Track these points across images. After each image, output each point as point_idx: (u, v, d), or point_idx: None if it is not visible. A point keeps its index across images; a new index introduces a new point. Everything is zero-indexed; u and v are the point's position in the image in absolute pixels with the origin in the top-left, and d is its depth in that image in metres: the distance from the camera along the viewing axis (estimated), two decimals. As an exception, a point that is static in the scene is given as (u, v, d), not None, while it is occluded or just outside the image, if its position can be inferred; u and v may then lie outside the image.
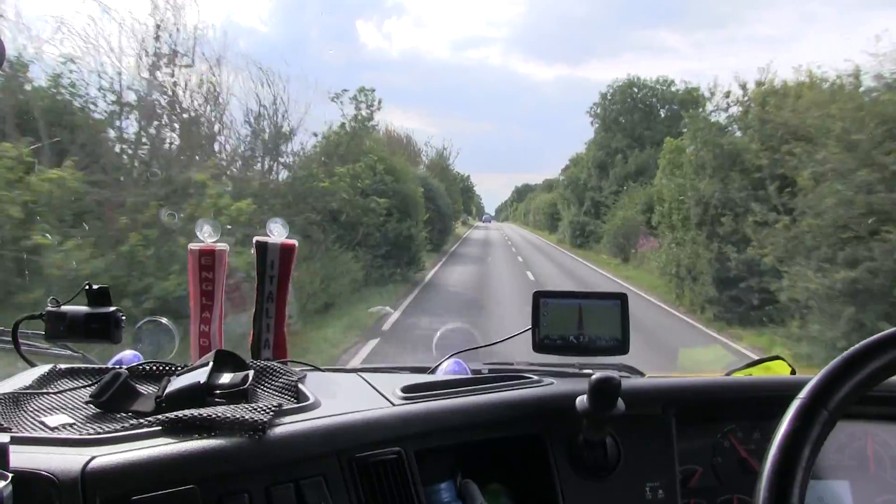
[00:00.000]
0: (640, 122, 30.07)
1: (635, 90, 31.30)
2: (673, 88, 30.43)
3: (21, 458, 0.73)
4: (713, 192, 11.99)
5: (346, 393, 1.14)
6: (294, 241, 1.32)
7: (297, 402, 0.98)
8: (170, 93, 8.36)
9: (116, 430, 0.85)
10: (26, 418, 0.90)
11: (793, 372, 1.38)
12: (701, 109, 15.28)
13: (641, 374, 1.43)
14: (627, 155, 28.12)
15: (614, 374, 0.99)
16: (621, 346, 1.26)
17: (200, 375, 0.97)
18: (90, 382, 1.04)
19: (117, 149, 7.80)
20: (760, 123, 11.39)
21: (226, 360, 1.05)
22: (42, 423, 0.88)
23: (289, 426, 0.89)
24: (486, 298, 13.29)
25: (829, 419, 0.72)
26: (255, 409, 0.88)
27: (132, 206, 6.61)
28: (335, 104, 15.85)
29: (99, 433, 0.84)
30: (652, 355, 7.68)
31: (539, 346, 1.27)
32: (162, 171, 7.43)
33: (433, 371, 1.40)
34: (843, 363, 0.75)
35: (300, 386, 1.05)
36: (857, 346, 0.77)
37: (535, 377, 1.23)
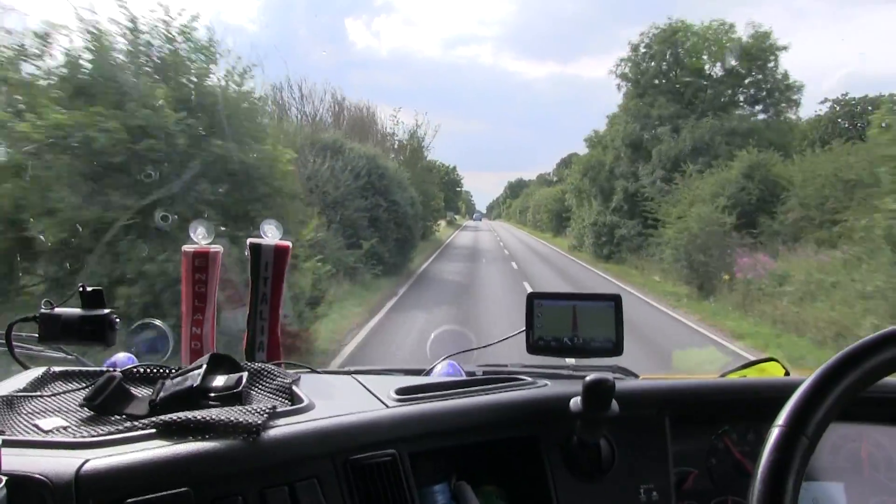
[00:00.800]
0: (689, 83, 21.81)
1: (681, 38, 22.38)
2: (734, 35, 21.75)
3: (15, 460, 0.73)
4: None
5: (340, 395, 1.14)
6: (288, 243, 1.32)
7: (292, 405, 0.98)
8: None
9: (110, 433, 0.85)
10: (20, 421, 0.89)
11: (787, 373, 1.39)
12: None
13: (636, 376, 1.44)
14: (680, 126, 20.38)
15: (608, 375, 0.99)
16: (615, 348, 1.26)
17: (194, 378, 0.97)
18: (84, 385, 1.04)
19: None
20: None
21: (220, 363, 1.05)
22: (36, 425, 0.88)
23: (283, 428, 0.89)
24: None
25: (809, 445, 0.72)
26: (250, 412, 0.88)
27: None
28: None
29: (93, 436, 0.84)
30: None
31: (533, 347, 1.27)
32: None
33: (427, 373, 1.40)
34: (817, 384, 0.75)
35: (294, 388, 1.05)
36: (827, 363, 0.76)
37: (530, 379, 1.23)
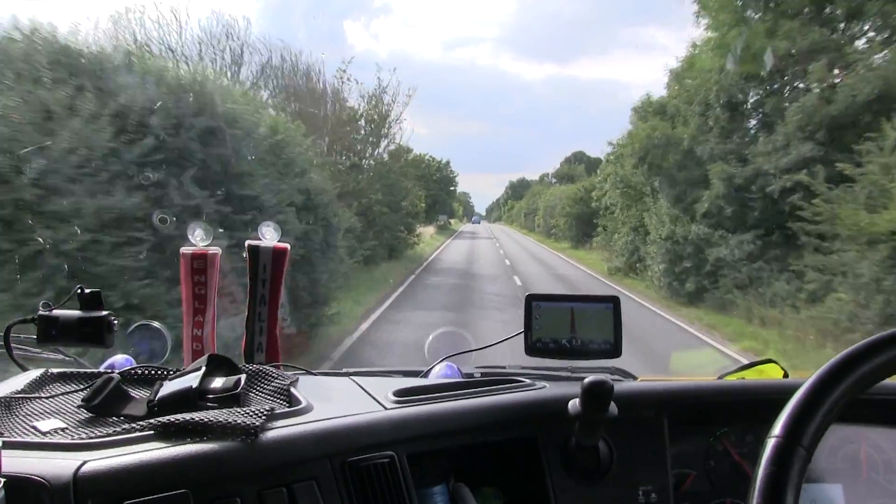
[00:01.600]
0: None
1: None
2: None
3: (13, 462, 0.73)
4: None
5: (338, 396, 1.14)
6: (286, 245, 1.32)
7: (290, 406, 0.98)
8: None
9: (108, 435, 0.84)
10: (18, 423, 0.89)
11: (785, 375, 1.39)
12: None
13: (634, 378, 1.44)
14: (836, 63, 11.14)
15: (607, 377, 0.99)
16: (614, 350, 1.26)
17: (193, 379, 0.97)
18: (82, 387, 1.04)
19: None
20: None
21: (218, 364, 1.05)
22: (34, 427, 0.88)
23: (281, 430, 0.89)
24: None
25: (806, 455, 0.71)
26: (248, 413, 0.88)
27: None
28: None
29: (91, 437, 0.84)
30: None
31: (531, 349, 1.27)
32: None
33: (425, 375, 1.40)
34: (811, 392, 0.74)
35: (292, 390, 1.05)
36: (821, 371, 0.76)
37: (528, 381, 1.23)
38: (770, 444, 0.72)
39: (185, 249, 1.30)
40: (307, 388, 1.08)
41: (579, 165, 66.78)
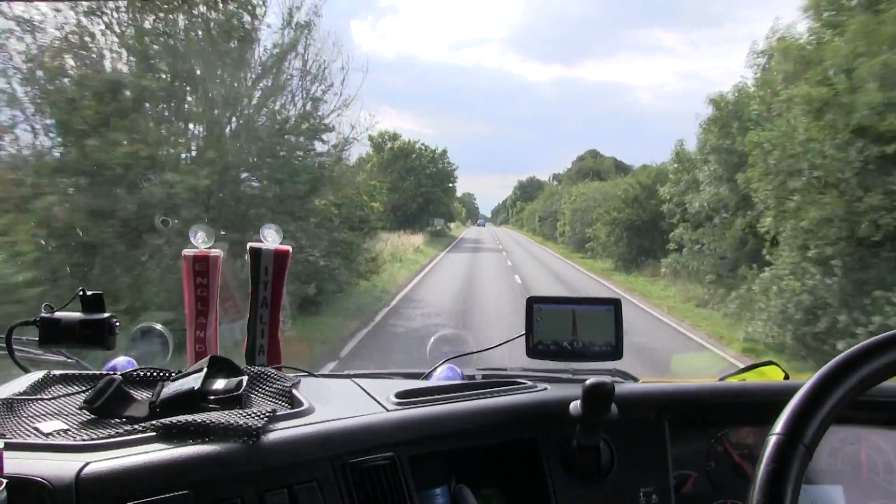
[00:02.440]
0: None
1: None
2: None
3: (15, 464, 0.73)
4: None
5: (339, 398, 1.14)
6: (288, 247, 1.33)
7: (291, 408, 0.99)
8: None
9: (110, 436, 0.85)
10: (20, 424, 0.90)
11: (786, 377, 1.39)
12: None
13: (635, 380, 1.44)
14: None
15: (608, 379, 0.99)
16: (615, 352, 1.26)
17: (194, 381, 0.97)
18: (84, 388, 1.04)
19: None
20: None
21: (220, 366, 1.05)
22: (36, 429, 0.88)
23: (282, 432, 0.89)
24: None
25: (806, 453, 0.72)
26: (249, 415, 0.88)
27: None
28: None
29: (93, 439, 0.84)
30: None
31: (532, 351, 1.27)
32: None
33: (427, 377, 1.40)
34: (813, 391, 0.75)
35: (294, 392, 1.05)
36: (823, 370, 0.76)
37: (529, 382, 1.23)
38: (771, 441, 0.72)
39: (186, 252, 1.30)
40: (309, 389, 1.09)
41: (606, 159, 56.42)
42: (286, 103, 11.00)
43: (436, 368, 1.41)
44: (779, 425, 0.73)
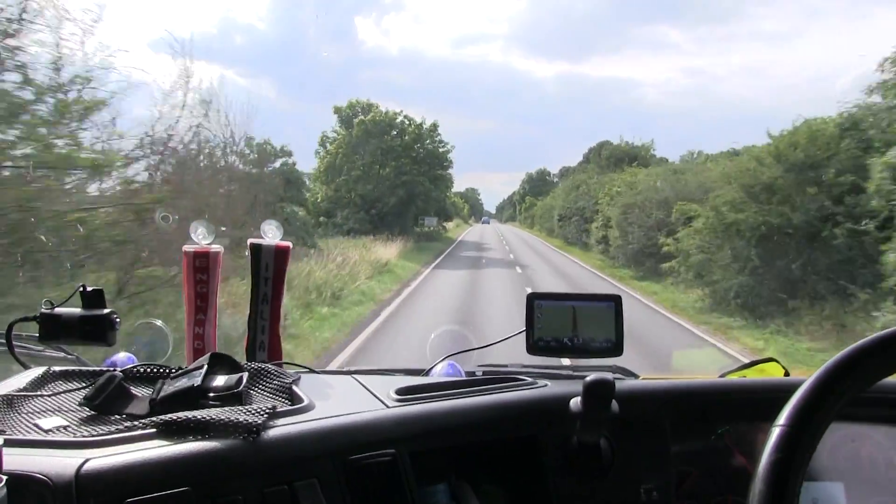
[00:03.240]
0: None
1: None
2: None
3: (15, 460, 0.73)
4: None
5: (340, 395, 1.14)
6: (288, 243, 1.32)
7: (292, 405, 0.99)
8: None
9: (111, 433, 0.85)
10: (20, 420, 0.90)
11: (786, 373, 1.39)
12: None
13: (636, 376, 1.44)
14: None
15: (608, 375, 0.99)
16: (615, 348, 1.26)
17: (195, 378, 0.97)
18: (84, 385, 1.04)
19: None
20: None
21: (220, 363, 1.05)
22: (36, 425, 0.88)
23: (283, 428, 0.89)
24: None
25: (810, 445, 0.72)
26: (250, 412, 0.88)
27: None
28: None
29: (93, 435, 0.84)
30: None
31: (533, 347, 1.27)
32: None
33: (427, 373, 1.40)
34: (818, 384, 0.75)
35: (294, 388, 1.05)
36: (829, 363, 0.76)
37: (529, 379, 1.23)
38: (776, 432, 0.73)
39: (187, 247, 1.30)
40: (309, 386, 1.09)
41: (642, 143, 39.15)
42: None
43: (436, 365, 1.41)
44: (783, 417, 0.74)
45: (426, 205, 35.62)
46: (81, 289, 1.17)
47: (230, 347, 1.25)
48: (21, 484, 0.71)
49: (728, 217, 12.80)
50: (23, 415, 0.92)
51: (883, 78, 10.14)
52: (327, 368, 1.46)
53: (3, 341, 1.16)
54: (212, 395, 0.96)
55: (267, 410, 0.89)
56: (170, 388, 0.96)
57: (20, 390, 0.99)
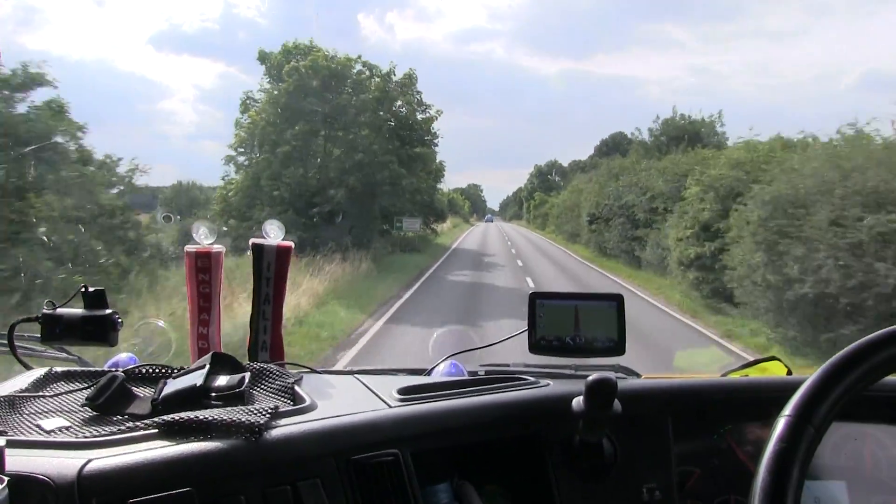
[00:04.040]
0: None
1: None
2: None
3: (17, 461, 0.73)
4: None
5: (342, 395, 1.14)
6: (290, 243, 1.32)
7: (294, 405, 0.99)
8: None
9: (113, 433, 0.85)
10: (22, 421, 0.89)
11: (789, 373, 1.39)
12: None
13: (638, 376, 1.43)
14: None
15: (611, 375, 0.99)
16: (618, 348, 1.26)
17: (197, 378, 0.97)
18: (86, 385, 1.04)
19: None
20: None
21: (222, 363, 1.05)
22: (38, 426, 0.88)
23: (285, 428, 0.89)
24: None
25: (815, 435, 0.72)
26: (252, 412, 0.88)
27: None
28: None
29: (95, 436, 0.84)
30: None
31: (535, 347, 1.27)
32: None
33: (429, 373, 1.40)
34: (825, 375, 0.75)
35: (297, 388, 1.05)
36: (837, 356, 0.76)
37: (532, 378, 1.23)
38: (781, 422, 0.73)
39: (188, 248, 1.30)
40: (311, 386, 1.09)
41: (696, 122, 27.01)
42: None
43: (438, 365, 1.40)
44: (789, 407, 0.74)
45: (396, 199, 22.62)
46: (83, 289, 1.17)
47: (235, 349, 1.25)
48: (23, 485, 0.71)
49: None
50: (25, 415, 0.92)
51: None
52: (329, 369, 1.46)
53: (5, 342, 1.16)
54: (214, 395, 0.96)
55: (269, 410, 0.89)
56: (172, 388, 0.96)
57: (22, 391, 0.99)
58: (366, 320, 10.57)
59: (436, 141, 25.16)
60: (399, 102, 23.47)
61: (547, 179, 74.42)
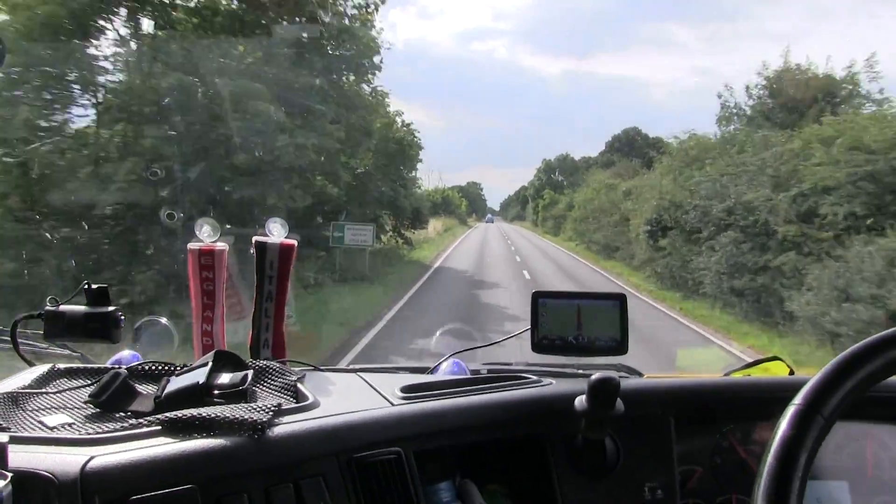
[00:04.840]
0: None
1: None
2: None
3: (20, 457, 0.73)
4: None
5: (345, 393, 1.14)
6: (293, 241, 1.32)
7: (297, 402, 0.99)
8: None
9: (115, 430, 0.85)
10: (25, 418, 0.90)
11: (791, 372, 1.39)
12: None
13: (640, 375, 1.43)
14: None
15: (613, 374, 0.99)
16: (620, 347, 1.26)
17: (199, 375, 0.97)
18: (89, 382, 1.04)
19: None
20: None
21: (225, 360, 1.05)
22: (41, 422, 0.88)
23: (288, 426, 0.89)
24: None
25: (824, 425, 0.72)
26: (255, 409, 0.88)
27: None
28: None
29: (98, 433, 0.84)
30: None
31: (538, 346, 1.27)
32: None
33: (432, 371, 1.40)
34: (837, 367, 0.75)
35: (299, 386, 1.05)
36: (851, 349, 0.77)
37: (534, 377, 1.23)
38: (790, 410, 0.74)
39: (192, 245, 1.30)
40: (314, 384, 1.09)
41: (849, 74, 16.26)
42: None
43: (441, 363, 1.40)
44: (799, 397, 0.75)
45: (336, 202, 15.10)
46: (86, 286, 1.17)
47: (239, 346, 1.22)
48: (26, 481, 0.71)
49: None
50: (28, 412, 0.92)
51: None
52: (332, 366, 1.46)
53: (8, 338, 1.17)
54: (217, 392, 0.96)
55: (272, 408, 0.89)
56: (174, 385, 0.96)
57: (25, 387, 1.00)
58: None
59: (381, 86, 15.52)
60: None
61: (555, 175, 63.37)
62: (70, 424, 0.88)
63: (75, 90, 8.53)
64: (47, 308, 1.15)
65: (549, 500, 1.08)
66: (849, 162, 10.24)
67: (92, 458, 0.76)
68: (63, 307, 1.15)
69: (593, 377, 0.98)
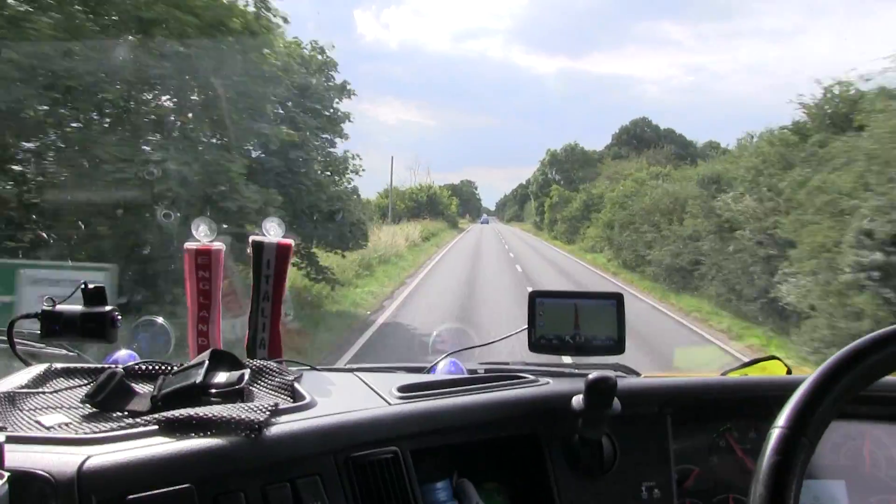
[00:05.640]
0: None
1: None
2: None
3: (17, 457, 0.73)
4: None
5: (342, 392, 1.14)
6: (290, 241, 1.32)
7: (294, 402, 0.98)
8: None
9: (112, 430, 0.84)
10: (22, 417, 0.89)
11: (789, 372, 1.39)
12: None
13: (637, 374, 1.43)
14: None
15: (610, 373, 0.99)
16: (617, 346, 1.26)
17: (196, 375, 0.97)
18: (86, 382, 1.04)
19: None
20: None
21: (222, 360, 1.05)
22: (38, 422, 0.88)
23: (285, 425, 0.89)
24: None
25: (809, 446, 0.72)
26: (251, 409, 0.88)
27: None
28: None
29: (95, 432, 0.84)
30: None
31: (535, 345, 1.27)
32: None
33: (429, 371, 1.40)
34: (815, 385, 0.75)
35: (296, 385, 1.05)
36: (828, 362, 0.76)
37: (531, 377, 1.23)
38: (775, 434, 0.73)
39: (188, 245, 1.30)
40: (311, 383, 1.08)
41: None
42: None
43: (438, 362, 1.40)
44: (782, 418, 0.74)
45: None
46: (82, 286, 1.17)
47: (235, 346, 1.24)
48: (23, 481, 0.71)
49: None
50: (24, 412, 0.92)
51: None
52: (329, 366, 1.46)
53: (5, 338, 1.16)
54: (213, 392, 0.96)
55: (269, 408, 0.89)
56: (171, 385, 0.96)
57: (22, 387, 0.99)
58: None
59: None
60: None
61: (564, 167, 51.93)
62: (67, 424, 0.88)
63: None
64: (44, 308, 1.15)
65: (546, 499, 1.08)
66: None
67: (89, 457, 0.75)
68: (60, 307, 1.15)
69: (590, 376, 0.98)
